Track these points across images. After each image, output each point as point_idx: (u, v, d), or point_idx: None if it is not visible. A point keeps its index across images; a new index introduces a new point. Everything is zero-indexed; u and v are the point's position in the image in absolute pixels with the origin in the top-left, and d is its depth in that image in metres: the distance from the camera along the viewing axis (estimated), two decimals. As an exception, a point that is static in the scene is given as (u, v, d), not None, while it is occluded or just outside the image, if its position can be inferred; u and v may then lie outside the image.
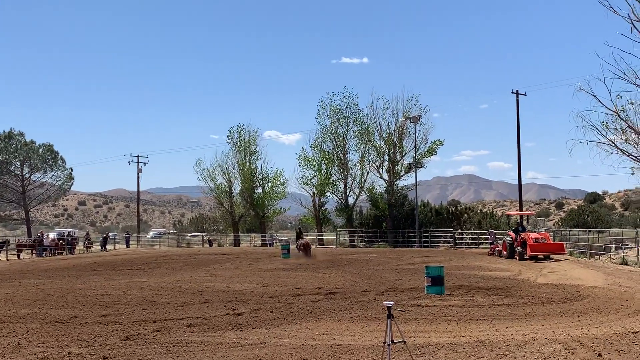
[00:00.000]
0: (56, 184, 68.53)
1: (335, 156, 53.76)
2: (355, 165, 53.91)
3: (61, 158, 66.99)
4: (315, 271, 25.16)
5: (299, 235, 37.81)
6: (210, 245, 59.48)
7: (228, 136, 58.74)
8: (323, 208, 55.94)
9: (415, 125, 49.23)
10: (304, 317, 13.06)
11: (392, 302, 7.86)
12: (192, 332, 11.42)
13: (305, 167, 54.52)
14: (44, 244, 46.51)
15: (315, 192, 54.06)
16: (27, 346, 10.26)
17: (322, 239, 53.10)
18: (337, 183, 54.43)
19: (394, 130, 51.32)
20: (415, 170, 49.94)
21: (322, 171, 53.83)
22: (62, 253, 47.31)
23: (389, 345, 7.72)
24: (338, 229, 55.10)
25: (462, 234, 47.88)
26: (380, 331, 10.94)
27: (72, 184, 69.42)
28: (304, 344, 10.23)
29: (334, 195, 54.96)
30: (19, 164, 65.02)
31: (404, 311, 12.15)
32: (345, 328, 11.79)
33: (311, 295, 16.76)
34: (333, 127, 53.48)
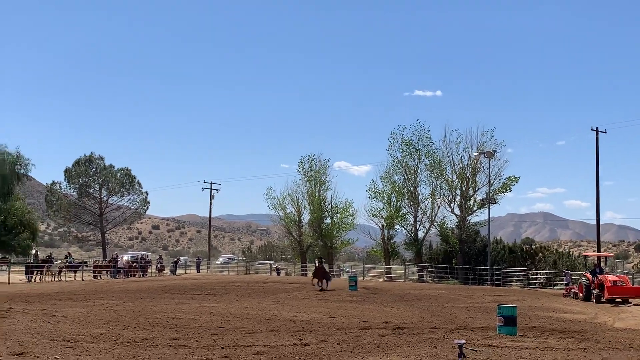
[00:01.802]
0: (132, 208, 70.69)
1: (405, 189, 53.40)
2: (426, 198, 53.39)
3: (138, 182, 69.22)
4: (382, 305, 24.90)
5: (318, 267, 34.13)
6: (278, 273, 59.80)
7: (299, 165, 59.35)
8: (392, 241, 55.51)
9: (489, 160, 48.46)
10: (371, 351, 12.91)
11: (463, 341, 7.70)
12: (259, 360, 11.46)
13: (375, 199, 54.37)
14: (118, 266, 47.89)
15: (384, 224, 53.75)
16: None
17: (390, 273, 52.59)
18: (407, 216, 53.97)
19: (467, 164, 50.67)
20: (489, 206, 48.98)
21: (392, 204, 53.53)
22: (135, 275, 48.58)
23: (459, 384, 7.54)
24: (407, 263, 54.51)
25: (536, 274, 46.50)
26: (449, 369, 10.71)
27: (147, 208, 71.53)
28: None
29: (403, 229, 54.48)
30: (97, 187, 67.49)
31: (476, 350, 11.86)
32: (413, 364, 11.59)
33: (378, 329, 16.58)
34: (404, 160, 53.25)
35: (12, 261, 44.69)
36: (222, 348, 12.67)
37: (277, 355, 12.10)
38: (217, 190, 69.68)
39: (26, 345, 12.40)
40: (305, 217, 60.00)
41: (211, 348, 12.66)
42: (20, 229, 46.97)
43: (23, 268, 43.00)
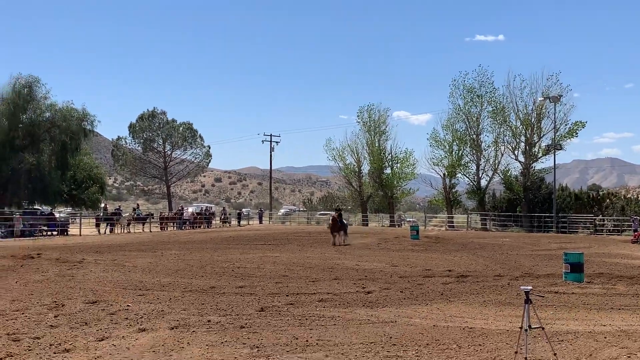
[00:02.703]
0: (195, 161, 71.93)
1: (467, 137, 52.59)
2: (488, 146, 52.61)
3: (200, 136, 70.29)
4: (445, 253, 24.80)
5: (334, 219, 29.53)
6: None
7: (358, 116, 59.03)
8: (454, 190, 54.99)
9: (554, 105, 47.11)
10: (434, 299, 12.89)
11: (530, 287, 7.56)
12: (324, 307, 11.59)
13: (436, 147, 53.85)
14: (184, 218, 49.07)
15: (446, 173, 53.21)
16: (170, 313, 10.83)
17: (452, 222, 52.21)
18: (469, 164, 53.33)
19: (532, 110, 49.43)
20: (554, 152, 47.84)
21: (454, 152, 52.87)
22: (200, 227, 49.70)
23: (526, 330, 7.43)
24: (469, 212, 53.99)
25: (603, 221, 45.39)
26: (515, 316, 10.59)
27: (209, 161, 72.70)
28: (435, 325, 10.09)
29: (465, 177, 53.91)
30: (161, 141, 68.83)
31: (542, 296, 11.68)
32: (478, 312, 11.52)
33: (441, 278, 16.52)
34: (466, 107, 52.34)
35: (82, 214, 46.37)
36: (287, 295, 12.88)
37: (340, 302, 12.22)
38: (277, 142, 70.29)
39: (99, 294, 12.89)
40: (365, 167, 59.99)
41: (276, 295, 12.88)
42: (89, 183, 48.45)
43: (93, 221, 44.54)
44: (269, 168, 74.67)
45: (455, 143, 52.82)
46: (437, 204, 58.93)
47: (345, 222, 31.24)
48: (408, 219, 62.61)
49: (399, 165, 58.09)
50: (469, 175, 53.36)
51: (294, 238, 34.06)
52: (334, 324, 10.02)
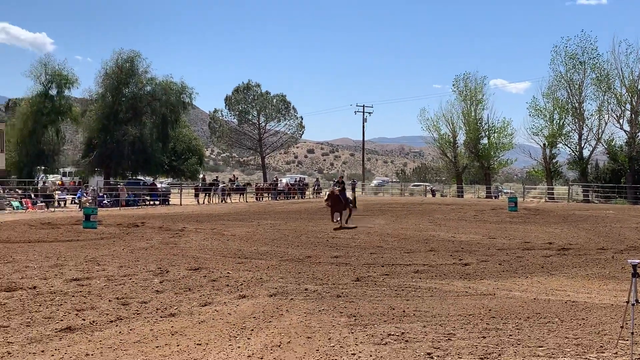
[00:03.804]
0: (288, 133, 72.76)
1: (569, 105, 50.51)
2: (592, 115, 50.30)
3: (293, 108, 70.91)
4: (545, 226, 24.04)
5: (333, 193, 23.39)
6: (433, 195, 59.54)
7: (453, 85, 57.81)
8: (554, 160, 53.12)
9: (664, 70, 44.39)
10: (534, 272, 12.55)
11: (638, 260, 7.18)
12: (420, 279, 11.52)
13: (536, 116, 52.03)
14: (279, 189, 49.90)
15: (546, 143, 51.41)
16: (269, 280, 11.07)
17: (552, 194, 50.52)
18: (571, 134, 51.27)
19: (638, 77, 46.75)
20: (663, 120, 45.19)
21: (555, 121, 50.96)
22: (294, 197, 50.40)
23: (632, 304, 7.09)
24: (570, 183, 52.07)
25: None
26: (619, 290, 10.17)
27: (302, 132, 73.36)
28: (535, 298, 9.82)
29: (566, 147, 51.94)
30: (256, 113, 69.96)
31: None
32: (581, 285, 11.13)
33: (542, 250, 16.05)
34: (568, 74, 50.17)
35: (182, 184, 47.98)
36: (382, 266, 12.87)
37: (437, 273, 12.10)
38: (369, 113, 70.03)
39: (201, 262, 13.33)
40: (461, 137, 58.80)
41: (371, 266, 12.90)
42: (189, 154, 50.02)
43: (192, 191, 46.03)
44: (361, 139, 74.62)
45: (556, 112, 50.87)
46: (536, 175, 57.07)
47: (350, 197, 24.93)
48: (505, 191, 61.02)
49: (496, 135, 56.56)
50: (571, 145, 51.39)
51: (388, 209, 33.95)
52: (431, 296, 9.94)
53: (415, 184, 74.19)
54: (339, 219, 22.94)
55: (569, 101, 50.47)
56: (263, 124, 70.50)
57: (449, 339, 7.22)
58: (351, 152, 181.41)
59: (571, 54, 49.67)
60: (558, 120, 50.86)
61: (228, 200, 43.87)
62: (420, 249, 15.96)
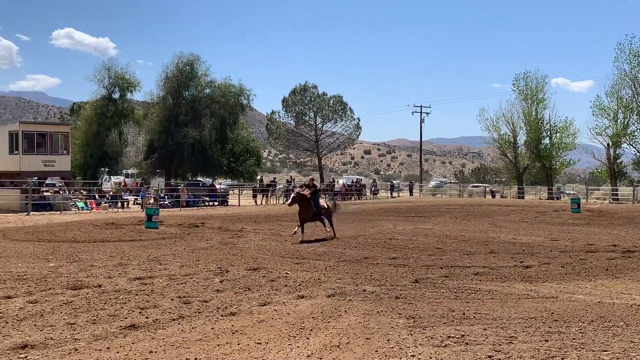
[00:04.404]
0: (345, 134, 72.74)
1: (634, 104, 48.96)
2: (659, 114, 48.65)
3: (349, 109, 70.82)
4: (609, 227, 23.38)
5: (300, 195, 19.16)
6: (493, 196, 58.60)
7: (513, 84, 56.83)
8: (618, 161, 51.59)
9: None
10: (598, 275, 12.20)
11: None
12: (480, 281, 11.34)
13: (600, 116, 50.71)
14: (335, 189, 49.98)
15: (610, 143, 49.98)
16: (326, 281, 11.09)
17: (617, 195, 49.05)
18: (636, 133, 49.73)
19: None
20: None
21: (619, 121, 49.50)
22: (351, 198, 50.39)
23: None
24: (635, 184, 50.46)
25: None
26: (691, 296, 9.80)
27: (359, 133, 73.19)
28: (600, 302, 9.55)
29: (632, 147, 50.34)
30: (312, 114, 70.23)
31: None
32: (648, 289, 10.76)
33: (606, 253, 15.59)
34: (633, 72, 48.69)
35: (240, 185, 48.58)
36: (441, 268, 12.74)
37: (497, 276, 11.90)
38: (427, 113, 69.32)
39: (259, 262, 13.47)
40: (521, 137, 57.76)
41: (430, 268, 12.78)
42: (247, 156, 50.56)
43: (250, 192, 46.57)
44: (418, 139, 74.02)
45: (620, 111, 49.46)
46: (600, 176, 55.57)
47: (328, 203, 20.75)
48: (567, 192, 59.60)
49: (558, 135, 55.34)
50: (636, 144, 49.85)
51: (446, 210, 33.60)
52: (492, 298, 9.78)
53: (475, 185, 73.11)
54: (328, 227, 19.08)
55: (634, 100, 48.98)
56: (320, 125, 70.71)
57: (510, 342, 7.10)
58: (408, 152, 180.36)
59: (636, 52, 48.25)
60: (622, 120, 49.46)
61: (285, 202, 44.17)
62: (480, 251, 15.72)
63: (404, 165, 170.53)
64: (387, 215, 29.82)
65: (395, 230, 21.24)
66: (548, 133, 55.80)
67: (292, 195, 19.46)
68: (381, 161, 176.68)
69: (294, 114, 70.01)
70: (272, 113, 71.57)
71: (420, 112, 68.82)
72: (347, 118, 70.65)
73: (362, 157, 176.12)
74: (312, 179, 22.32)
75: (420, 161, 77.50)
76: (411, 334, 7.42)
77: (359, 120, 71.57)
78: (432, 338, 7.27)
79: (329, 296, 9.69)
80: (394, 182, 74.53)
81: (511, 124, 57.39)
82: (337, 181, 56.58)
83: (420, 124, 69.32)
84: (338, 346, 6.94)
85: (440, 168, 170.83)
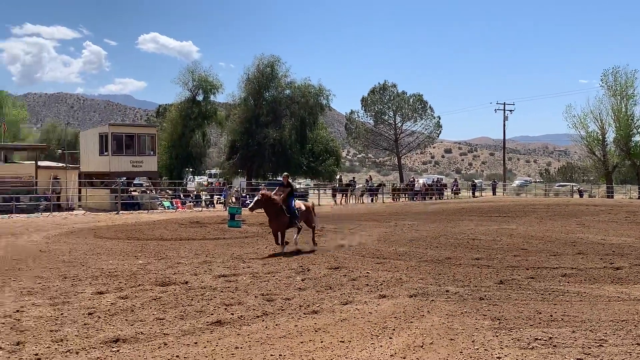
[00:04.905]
0: (425, 133, 71.95)
1: None
2: None
3: (430, 107, 69.93)
4: None
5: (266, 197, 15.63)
6: (581, 195, 56.64)
7: (601, 80, 54.69)
8: None
9: None
10: (698, 278, 11.58)
11: None
12: (567, 282, 10.98)
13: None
14: (415, 189, 49.52)
15: None
16: (408, 281, 11.01)
17: None
18: None
19: None
20: None
21: None
22: (431, 198, 49.83)
23: None
24: None
25: None
26: None
27: (439, 132, 72.16)
28: (699, 307, 9.07)
29: None
30: (392, 113, 69.83)
31: None
32: None
33: None
34: None
35: (320, 185, 48.92)
36: (527, 269, 12.41)
37: (586, 277, 11.49)
38: (510, 111, 67.64)
39: (340, 261, 13.51)
40: (610, 135, 55.54)
41: (515, 269, 12.47)
42: (326, 155, 50.83)
43: (329, 191, 46.79)
44: (501, 138, 72.40)
45: None
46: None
47: (303, 205, 16.50)
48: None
49: (649, 131, 52.96)
50: None
51: (531, 210, 32.70)
52: (580, 300, 9.45)
53: (561, 184, 70.89)
54: (281, 240, 15.49)
55: None
56: (399, 124, 70.22)
57: (600, 345, 6.85)
58: (491, 151, 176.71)
59: None
60: None
61: (365, 201, 44.16)
62: (568, 252, 15.21)
63: (486, 164, 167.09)
64: (470, 215, 29.31)
65: (478, 230, 20.84)
66: (639, 130, 53.48)
67: (256, 197, 15.50)
68: (462, 160, 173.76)
69: (373, 113, 69.78)
70: (351, 113, 71.66)
71: (504, 110, 67.32)
72: (427, 116, 69.84)
73: (443, 156, 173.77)
74: (287, 175, 16.82)
75: (504, 160, 75.78)
76: (497, 336, 7.27)
77: (440, 119, 70.58)
78: (518, 340, 7.11)
79: (411, 296, 9.62)
80: (476, 181, 73.13)
81: (599, 121, 55.32)
82: (417, 180, 56.04)
83: (504, 121, 67.82)
84: (421, 346, 6.89)
85: (524, 167, 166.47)
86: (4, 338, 7.23)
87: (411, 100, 69.42)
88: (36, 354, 6.64)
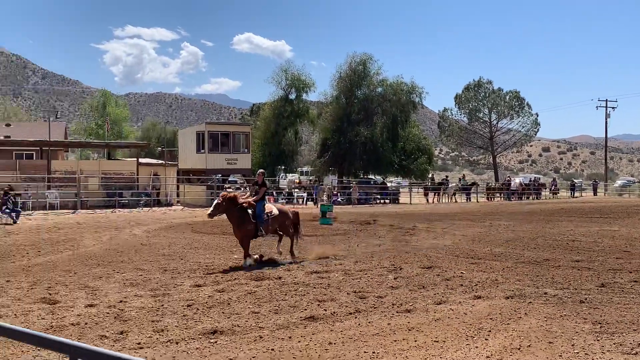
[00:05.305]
0: (521, 131, 69.94)
1: None
2: None
3: (527, 104, 67.88)
4: None
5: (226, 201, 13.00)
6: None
7: None
8: None
9: None
10: None
11: None
12: (676, 288, 10.40)
13: None
14: (511, 189, 48.21)
15: None
16: (504, 282, 10.74)
17: None
18: None
19: None
20: None
21: None
22: (528, 198, 48.39)
23: None
24: None
25: None
26: None
27: (537, 130, 69.98)
28: None
29: None
30: (487, 111, 68.29)
31: None
32: None
33: None
34: None
35: (412, 183, 48.49)
36: (630, 272, 11.85)
37: (697, 284, 10.84)
38: (613, 108, 64.70)
39: (433, 260, 13.34)
40: None
41: (618, 272, 11.93)
42: (418, 154, 50.34)
43: (421, 190, 46.32)
44: (603, 136, 69.32)
45: None
46: None
47: (276, 209, 13.85)
48: None
49: None
50: None
51: (634, 212, 31.17)
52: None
53: (667, 184, 67.24)
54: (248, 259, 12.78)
55: None
56: (495, 122, 68.59)
57: None
58: (591, 150, 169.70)
59: None
60: None
61: (459, 200, 43.44)
62: (675, 256, 14.41)
63: (587, 163, 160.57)
64: (569, 216, 28.26)
65: (577, 232, 20.07)
66: None
67: (215, 201, 13.04)
68: (561, 159, 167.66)
69: (467, 111, 68.52)
70: (444, 110, 70.65)
71: (606, 107, 64.48)
72: (524, 114, 67.84)
73: (540, 155, 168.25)
74: (262, 173, 14.04)
75: (605, 159, 72.63)
76: (598, 340, 7.00)
77: (537, 116, 68.31)
78: (620, 345, 6.82)
79: (508, 298, 9.39)
80: (576, 181, 70.41)
81: None
82: (513, 180, 54.53)
83: (606, 119, 64.94)
84: (519, 349, 6.71)
85: (627, 166, 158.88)
86: (108, 327, 7.59)
87: (507, 97, 67.64)
88: (138, 343, 6.93)
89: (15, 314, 8.15)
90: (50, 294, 9.55)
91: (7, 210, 23.16)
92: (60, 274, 11.57)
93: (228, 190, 12.23)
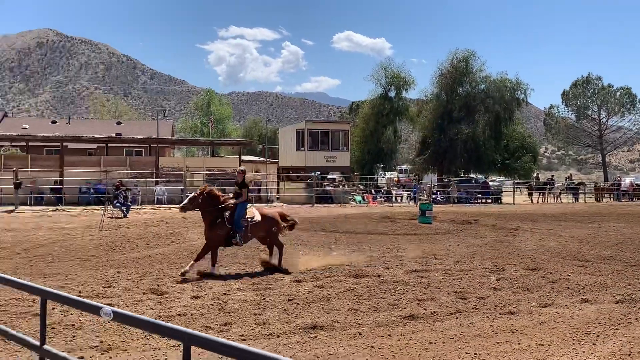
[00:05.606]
0: (633, 129, 66.62)
1: None
2: None
3: (639, 101, 64.53)
4: None
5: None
6: None
7: None
8: None
9: None
10: None
11: None
12: None
13: None
14: (622, 189, 45.95)
15: None
16: (614, 286, 10.27)
17: None
18: None
19: None
20: None
21: None
22: (639, 199, 45.98)
23: None
24: None
25: None
26: None
27: (651, 128, 66.40)
28: None
29: None
30: (596, 108, 65.42)
31: None
32: None
33: None
34: None
35: (515, 183, 47.12)
36: None
37: None
38: None
39: (538, 262, 12.93)
40: None
41: None
42: (522, 152, 48.81)
43: (525, 190, 44.94)
44: None
45: None
46: None
47: (259, 214, 11.97)
48: None
49: None
50: None
51: None
52: None
53: None
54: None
55: None
56: (604, 120, 65.59)
57: None
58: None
59: None
60: None
61: (564, 200, 41.87)
62: None
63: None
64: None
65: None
66: None
67: (192, 194, 11.51)
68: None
69: (575, 108, 65.85)
70: (550, 107, 68.19)
71: None
72: (636, 111, 64.47)
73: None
74: (243, 171, 12.00)
75: None
76: None
77: (650, 113, 64.74)
78: None
79: (617, 302, 8.98)
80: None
81: None
82: (624, 180, 51.92)
83: None
84: (629, 355, 6.42)
85: None
86: (213, 319, 7.84)
87: (618, 93, 64.52)
88: (241, 335, 7.12)
89: (125, 304, 8.57)
90: (158, 285, 9.98)
91: (119, 205, 24.39)
92: (167, 266, 12.06)
93: (209, 186, 10.90)
